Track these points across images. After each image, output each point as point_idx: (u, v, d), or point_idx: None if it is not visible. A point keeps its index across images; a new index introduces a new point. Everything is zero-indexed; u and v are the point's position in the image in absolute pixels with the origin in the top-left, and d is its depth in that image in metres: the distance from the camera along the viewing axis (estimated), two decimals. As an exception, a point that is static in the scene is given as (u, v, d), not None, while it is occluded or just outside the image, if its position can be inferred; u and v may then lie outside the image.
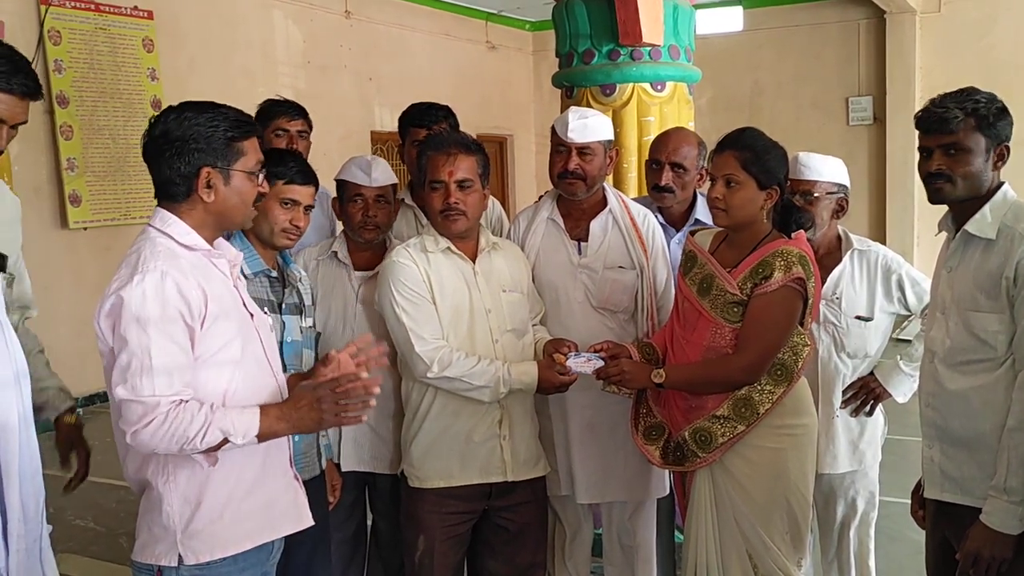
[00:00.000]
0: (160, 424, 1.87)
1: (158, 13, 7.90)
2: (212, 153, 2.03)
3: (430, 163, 2.78)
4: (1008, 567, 2.18)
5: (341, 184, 3.03)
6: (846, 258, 3.04)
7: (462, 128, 3.38)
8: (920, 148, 2.34)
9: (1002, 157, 2.27)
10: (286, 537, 2.21)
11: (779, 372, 2.59)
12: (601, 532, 3.35)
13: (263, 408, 2.00)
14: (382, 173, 2.99)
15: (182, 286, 1.94)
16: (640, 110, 3.99)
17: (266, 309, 2.51)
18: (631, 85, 3.96)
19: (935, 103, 2.29)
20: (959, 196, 2.28)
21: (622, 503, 3.20)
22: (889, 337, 3.16)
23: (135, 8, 7.76)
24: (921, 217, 10.06)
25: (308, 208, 2.70)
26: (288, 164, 2.66)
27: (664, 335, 2.87)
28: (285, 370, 2.60)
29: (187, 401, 1.91)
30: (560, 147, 3.02)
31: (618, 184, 3.91)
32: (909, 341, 3.15)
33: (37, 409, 2.26)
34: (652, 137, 3.71)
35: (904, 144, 10.03)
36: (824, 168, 3.03)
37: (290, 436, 2.20)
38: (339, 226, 3.98)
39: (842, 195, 3.06)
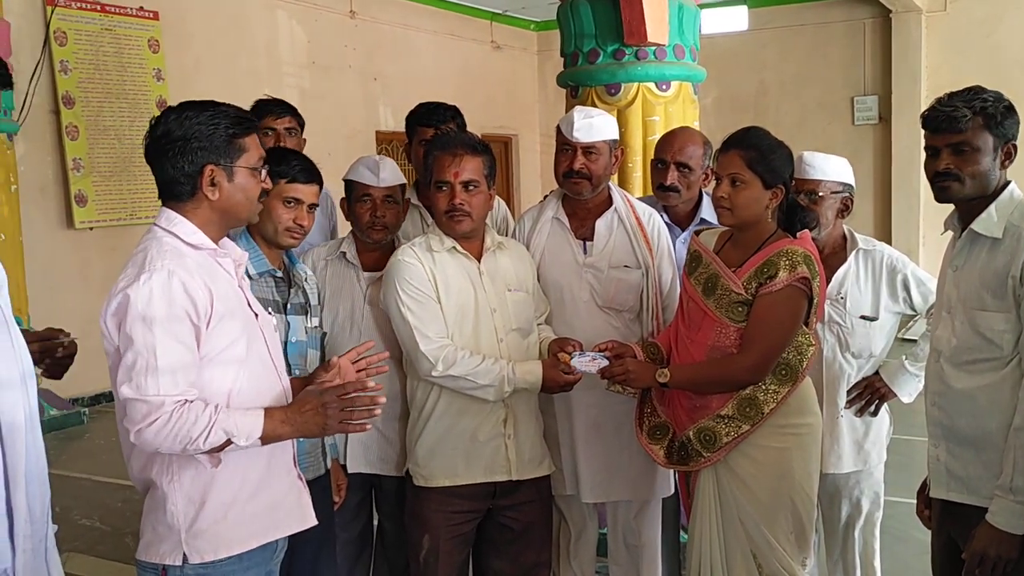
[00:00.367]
0: (164, 423, 1.88)
1: (164, 14, 7.92)
2: (214, 151, 2.03)
3: (436, 163, 2.78)
4: (1014, 567, 2.18)
5: (349, 184, 3.03)
6: (851, 258, 3.03)
7: (467, 128, 3.39)
8: (927, 147, 2.33)
9: (1009, 156, 2.27)
10: (291, 536, 2.21)
11: (784, 372, 2.59)
12: (606, 531, 3.35)
13: (267, 411, 2.00)
14: (390, 173, 2.99)
15: (188, 285, 1.94)
16: (645, 110, 3.98)
17: (270, 309, 2.52)
18: (636, 85, 3.96)
19: (942, 102, 2.29)
20: (967, 195, 2.28)
21: (627, 502, 3.19)
22: (894, 337, 3.15)
23: (141, 9, 7.78)
24: (926, 217, 10.04)
25: (312, 206, 2.70)
26: (291, 163, 2.66)
27: (669, 334, 2.87)
28: (289, 370, 2.61)
29: (192, 401, 1.92)
30: (565, 146, 3.02)
31: (623, 184, 3.91)
32: (915, 341, 3.14)
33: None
34: (657, 137, 3.71)
35: (910, 143, 10.02)
36: (829, 167, 3.02)
37: None
38: (340, 227, 4.00)
39: (847, 194, 3.05)
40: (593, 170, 3.00)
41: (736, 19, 10.14)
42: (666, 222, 3.26)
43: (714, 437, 2.62)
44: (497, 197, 3.21)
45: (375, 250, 3.02)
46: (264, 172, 2.13)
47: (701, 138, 3.33)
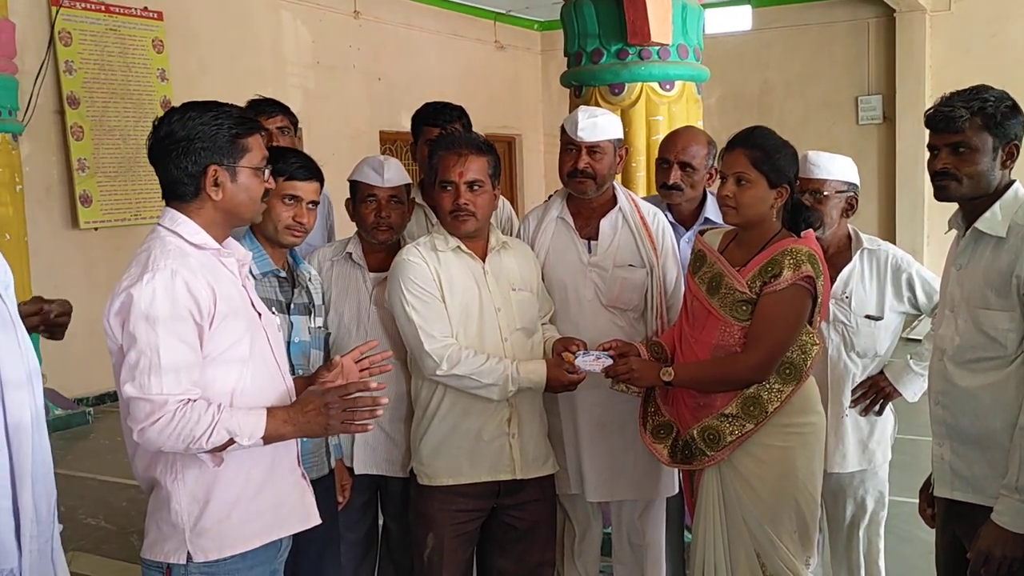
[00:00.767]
0: (167, 423, 1.88)
1: (168, 14, 7.94)
2: (218, 151, 2.04)
3: (441, 163, 2.78)
4: (1020, 566, 2.17)
5: (354, 185, 3.02)
6: (856, 257, 3.03)
7: (472, 128, 3.39)
8: (929, 146, 2.34)
9: (1011, 156, 2.27)
10: (296, 536, 2.22)
11: (788, 371, 2.59)
12: (610, 531, 3.35)
13: (270, 410, 2.01)
14: (395, 173, 2.98)
15: (192, 285, 1.95)
16: (649, 109, 3.99)
17: (274, 309, 2.52)
18: (640, 84, 3.96)
19: (943, 102, 2.29)
20: (964, 194, 2.28)
21: (631, 502, 3.20)
22: (899, 336, 3.15)
23: (145, 9, 7.79)
24: (931, 216, 10.02)
25: (313, 204, 2.70)
26: (290, 160, 2.65)
27: (673, 334, 2.87)
28: (292, 370, 2.61)
29: (195, 400, 1.92)
30: (570, 146, 3.02)
31: (627, 183, 3.91)
32: (919, 340, 3.14)
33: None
34: (661, 136, 3.71)
35: (914, 143, 10.00)
36: (834, 167, 3.02)
37: None
38: (337, 227, 4.00)
39: (852, 194, 3.05)
40: (597, 169, 3.00)
41: (740, 19, 10.14)
42: (670, 221, 3.27)
43: (718, 436, 2.62)
44: (502, 197, 3.21)
45: (381, 250, 3.02)
46: (267, 172, 2.14)
47: (705, 137, 3.33)
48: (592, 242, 3.07)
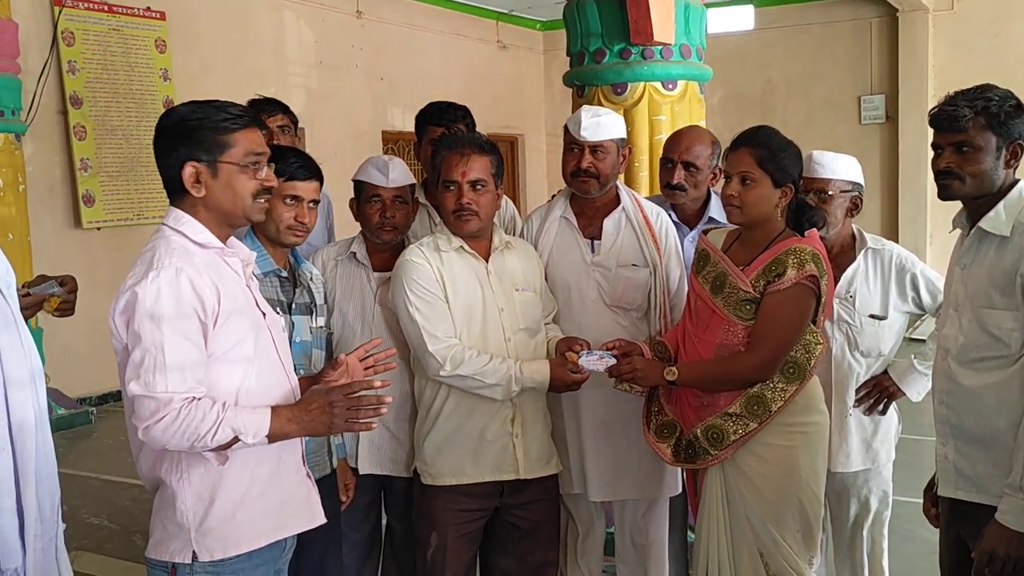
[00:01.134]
0: (172, 420, 1.88)
1: (171, 14, 7.94)
2: (196, 147, 2.01)
3: (444, 163, 2.78)
4: (1024, 566, 2.17)
5: (358, 185, 3.02)
6: (860, 256, 3.03)
7: (476, 129, 3.38)
8: (933, 145, 2.34)
9: (1015, 155, 2.26)
10: (299, 535, 2.22)
11: (791, 370, 2.59)
12: (613, 530, 3.35)
13: (274, 409, 2.01)
14: (400, 173, 2.98)
15: (196, 283, 1.95)
16: (651, 109, 3.98)
17: (278, 310, 2.52)
18: (642, 84, 3.95)
19: (947, 101, 2.29)
20: (967, 193, 2.28)
21: (635, 501, 3.19)
22: (903, 336, 3.15)
23: (148, 9, 7.80)
24: (933, 215, 10.02)
25: (314, 203, 2.69)
26: (289, 160, 2.63)
27: (676, 333, 2.87)
28: (295, 370, 2.61)
29: (199, 399, 1.92)
30: (573, 145, 3.02)
31: (630, 183, 3.91)
32: (922, 340, 3.13)
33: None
34: (664, 136, 3.70)
35: (916, 142, 10.00)
36: (838, 166, 3.02)
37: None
38: (337, 226, 3.99)
39: (856, 193, 3.05)
40: (601, 169, 3.00)
41: (742, 18, 10.14)
42: (674, 221, 3.26)
43: (722, 435, 2.62)
44: (505, 196, 3.21)
45: (385, 250, 3.01)
46: (265, 169, 2.09)
47: (709, 137, 3.33)
48: (595, 242, 3.07)
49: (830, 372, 3.01)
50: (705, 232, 2.84)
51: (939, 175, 2.30)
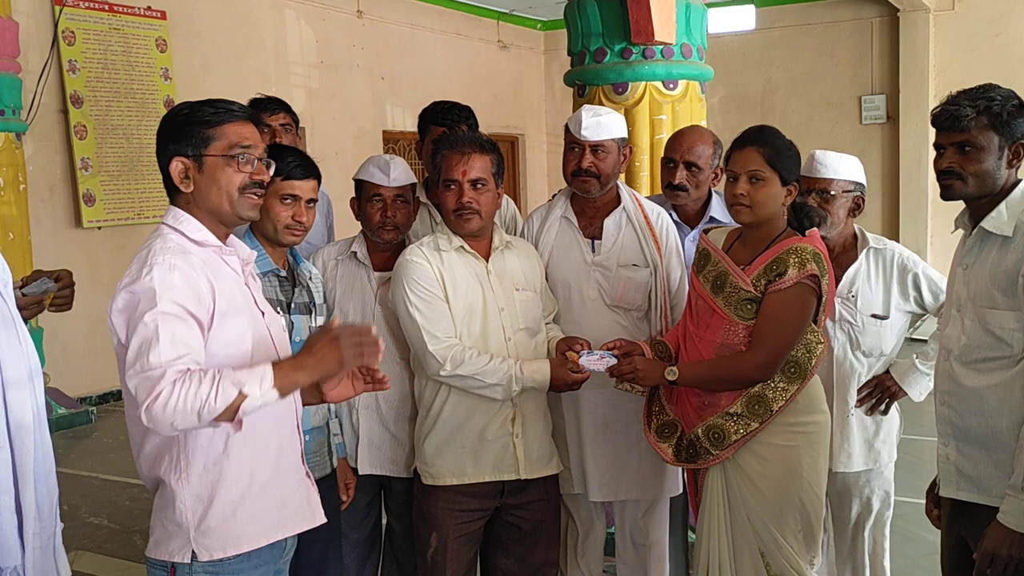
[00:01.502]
0: (169, 394, 1.78)
1: (171, 13, 7.94)
2: (182, 142, 2.01)
3: (444, 162, 2.77)
4: (1026, 567, 2.17)
5: (359, 184, 3.01)
6: (862, 256, 3.03)
7: (479, 129, 3.38)
8: (935, 145, 2.34)
9: (1017, 155, 2.26)
10: (299, 535, 2.21)
11: (793, 370, 2.58)
12: (614, 531, 3.35)
13: (275, 363, 1.91)
14: (401, 173, 2.97)
15: (190, 278, 1.93)
16: (652, 108, 3.98)
17: (278, 309, 2.51)
18: (643, 84, 3.95)
19: (949, 100, 2.29)
20: (970, 193, 2.28)
21: (635, 501, 3.19)
22: (905, 336, 3.14)
23: (148, 8, 7.80)
24: (934, 215, 10.01)
25: (311, 202, 2.68)
26: (286, 159, 2.62)
27: (677, 333, 2.86)
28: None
29: (192, 370, 1.84)
30: (574, 145, 3.02)
31: (630, 182, 3.91)
32: (924, 340, 3.13)
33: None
34: (665, 136, 3.70)
35: (917, 142, 10.00)
36: (840, 166, 3.02)
37: (301, 435, 2.21)
38: (337, 226, 3.99)
39: (858, 193, 3.05)
40: (601, 168, 2.99)
41: (743, 18, 10.13)
42: (675, 220, 3.26)
43: (723, 435, 2.61)
44: (506, 196, 3.21)
45: (386, 250, 3.01)
46: (255, 163, 2.05)
47: (711, 137, 3.32)
48: (596, 241, 3.07)
49: (831, 372, 3.00)
50: (706, 231, 2.83)
51: (941, 175, 2.30)
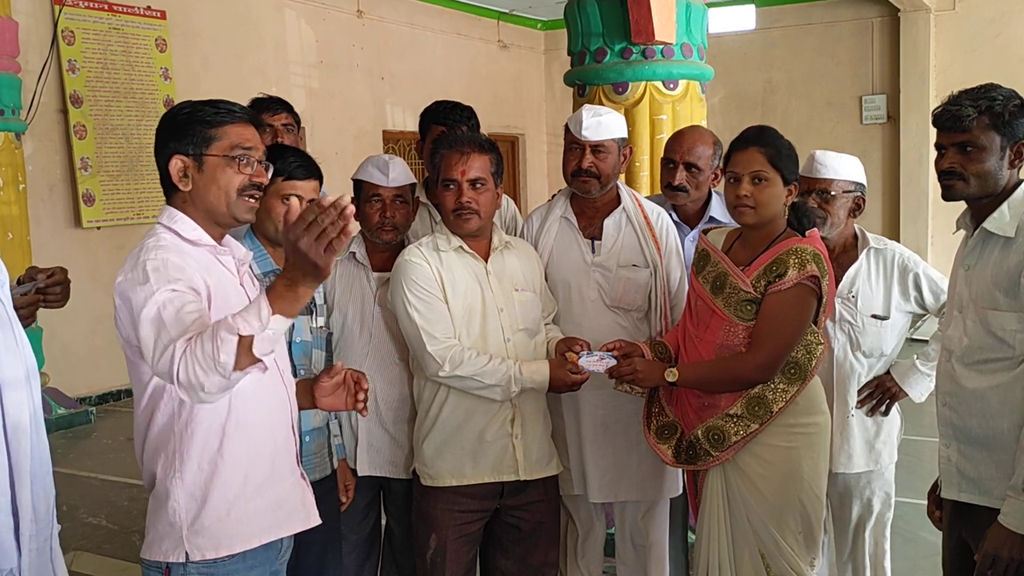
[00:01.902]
0: (185, 367, 1.74)
1: (171, 13, 7.94)
2: (183, 140, 2.00)
3: (443, 162, 2.77)
4: (1027, 568, 2.16)
5: (358, 184, 3.01)
6: (862, 256, 3.02)
7: (480, 130, 3.37)
8: (936, 145, 2.33)
9: (1019, 155, 2.25)
10: (297, 536, 2.20)
11: (793, 371, 2.58)
12: (614, 532, 3.34)
13: (265, 292, 1.77)
14: (400, 173, 2.96)
15: (184, 268, 1.93)
16: (652, 108, 3.98)
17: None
18: (643, 83, 3.95)
19: (951, 100, 2.28)
20: (971, 194, 2.27)
21: (635, 503, 3.18)
22: (905, 336, 3.14)
23: (148, 8, 7.79)
24: (935, 216, 10.00)
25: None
26: (288, 159, 2.62)
27: (677, 334, 2.86)
28: (294, 371, 2.60)
29: (193, 336, 1.79)
30: (574, 145, 3.01)
31: (630, 183, 3.90)
32: (924, 341, 3.12)
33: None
34: (665, 135, 3.69)
35: (918, 142, 9.99)
36: (841, 166, 3.01)
37: (299, 436, 2.21)
38: None
39: (859, 193, 3.04)
40: (602, 168, 2.99)
41: (744, 18, 10.12)
42: (675, 221, 3.25)
43: (723, 436, 2.61)
44: (505, 196, 3.20)
45: (385, 250, 3.00)
46: (255, 165, 2.05)
47: (711, 137, 3.31)
48: (596, 242, 3.06)
49: (832, 373, 2.99)
50: (705, 232, 2.82)
51: (943, 175, 2.29)
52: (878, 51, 10.64)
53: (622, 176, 3.24)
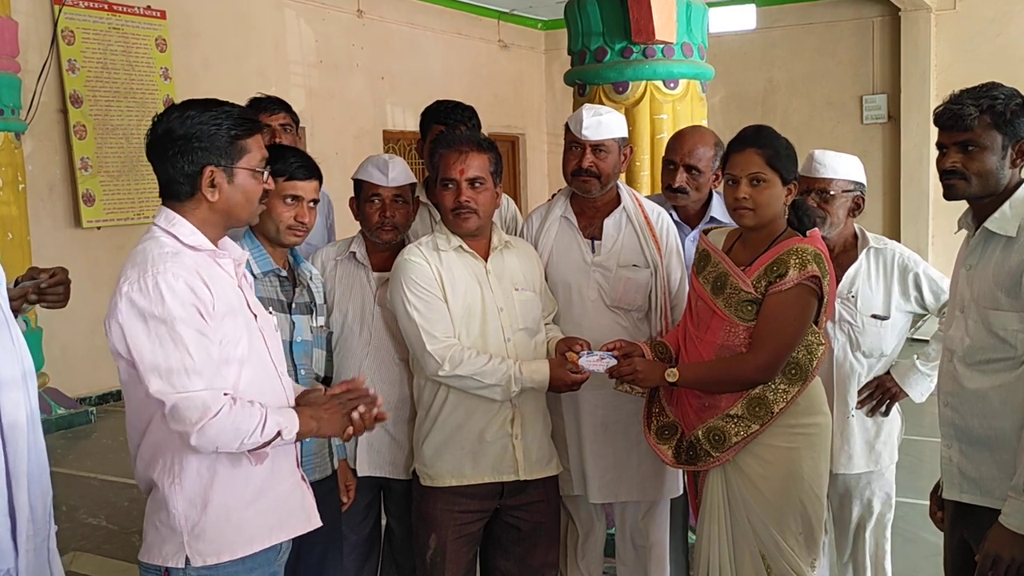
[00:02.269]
0: (225, 417, 1.89)
1: (171, 13, 7.93)
2: (215, 151, 2.01)
3: (442, 161, 2.76)
4: (1028, 569, 2.15)
5: (358, 184, 3.00)
6: (862, 256, 3.01)
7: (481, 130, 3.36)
8: (937, 144, 2.32)
9: (1021, 154, 2.24)
10: (299, 537, 2.20)
11: (793, 371, 2.57)
12: (614, 532, 3.34)
13: (297, 409, 2.06)
14: (400, 172, 2.96)
15: (193, 285, 1.94)
16: (653, 108, 3.97)
17: (271, 309, 2.49)
18: (644, 83, 3.94)
19: (952, 99, 2.27)
20: (973, 193, 2.26)
21: (635, 503, 3.18)
22: (906, 337, 3.13)
23: (148, 8, 7.79)
24: (936, 215, 10.00)
25: (313, 202, 2.68)
26: (289, 160, 2.62)
27: (677, 334, 2.85)
28: (296, 370, 2.60)
29: (234, 398, 1.94)
30: (574, 144, 3.00)
31: (631, 182, 3.89)
32: (925, 340, 3.12)
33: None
34: (665, 135, 3.69)
35: (919, 142, 9.98)
36: (840, 166, 3.00)
37: None
38: (338, 226, 3.97)
39: (858, 193, 3.04)
40: (602, 168, 2.98)
41: (744, 18, 10.11)
42: (675, 221, 3.24)
43: (723, 437, 2.60)
44: (506, 196, 3.19)
45: (385, 250, 2.99)
46: (267, 173, 2.12)
47: (712, 138, 3.30)
48: (596, 241, 3.05)
49: (832, 373, 2.99)
50: (706, 232, 2.82)
51: (944, 175, 2.28)
52: (879, 51, 10.64)
53: (622, 176, 3.23)
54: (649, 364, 2.70)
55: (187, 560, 1.97)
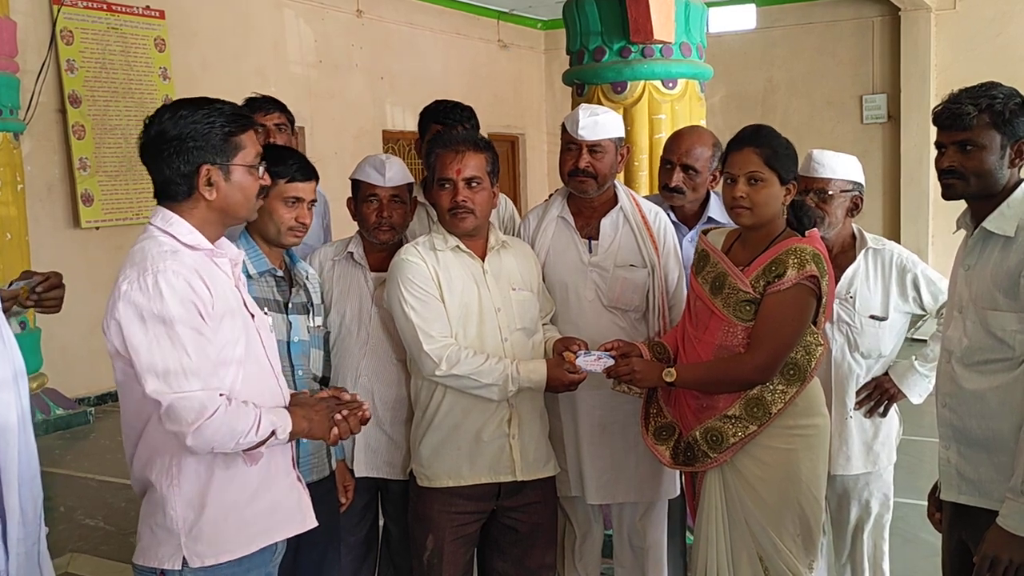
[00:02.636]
0: (221, 417, 1.89)
1: (170, 13, 7.93)
2: (210, 150, 2.01)
3: (439, 161, 2.76)
4: (1026, 571, 2.14)
5: (355, 184, 3.00)
6: (861, 256, 3.01)
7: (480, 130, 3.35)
8: (936, 144, 2.32)
9: (1020, 154, 2.23)
10: (297, 538, 2.20)
11: (792, 372, 2.56)
12: (611, 533, 3.33)
13: (290, 408, 2.07)
14: (397, 172, 2.95)
15: (193, 284, 1.94)
16: (651, 108, 3.96)
17: (266, 309, 2.49)
18: (642, 82, 3.93)
19: (951, 99, 2.27)
20: (971, 193, 2.26)
21: (633, 504, 3.17)
22: (904, 337, 3.12)
23: (147, 8, 7.78)
24: (936, 215, 10.00)
25: (312, 203, 2.68)
26: (288, 162, 2.62)
27: (676, 334, 2.84)
28: (293, 370, 2.59)
29: (230, 399, 1.94)
30: (571, 144, 3.00)
31: (629, 182, 3.89)
32: (923, 341, 3.11)
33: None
34: (664, 135, 3.68)
35: (919, 142, 9.99)
36: (838, 166, 3.00)
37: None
38: (334, 226, 3.97)
39: (857, 193, 3.03)
40: (599, 168, 2.97)
41: (744, 17, 10.11)
42: (673, 221, 3.24)
43: (721, 437, 2.59)
44: (504, 196, 3.18)
45: (382, 250, 2.99)
46: (262, 169, 2.11)
47: (710, 138, 3.29)
48: (593, 241, 3.05)
49: (830, 374, 2.98)
50: (704, 232, 2.81)
51: (943, 174, 2.27)
52: (879, 50, 10.64)
53: (620, 176, 3.22)
54: (647, 364, 2.70)
55: (184, 562, 1.97)
